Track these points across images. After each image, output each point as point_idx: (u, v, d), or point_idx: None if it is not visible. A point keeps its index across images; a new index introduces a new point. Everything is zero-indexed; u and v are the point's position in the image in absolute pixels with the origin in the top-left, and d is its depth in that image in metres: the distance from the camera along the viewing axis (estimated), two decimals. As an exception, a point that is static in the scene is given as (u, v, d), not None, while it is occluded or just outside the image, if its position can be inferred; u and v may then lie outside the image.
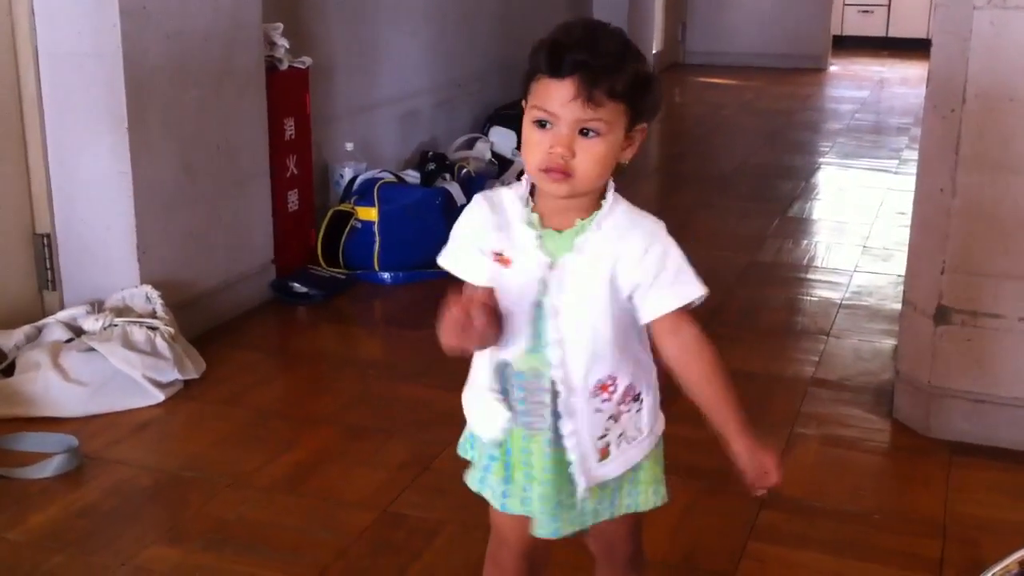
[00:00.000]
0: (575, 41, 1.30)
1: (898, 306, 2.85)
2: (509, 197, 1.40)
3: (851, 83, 8.27)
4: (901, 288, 2.81)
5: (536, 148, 1.32)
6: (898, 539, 2.18)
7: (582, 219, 1.36)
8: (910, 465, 2.51)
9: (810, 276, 3.83)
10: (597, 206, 1.37)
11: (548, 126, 1.31)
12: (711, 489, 2.34)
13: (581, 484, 1.41)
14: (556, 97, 1.29)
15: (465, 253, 1.42)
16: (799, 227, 4.49)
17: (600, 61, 1.28)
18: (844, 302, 3.52)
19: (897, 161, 5.61)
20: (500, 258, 1.37)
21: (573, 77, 1.28)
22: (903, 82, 8.16)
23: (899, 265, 3.28)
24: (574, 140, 1.30)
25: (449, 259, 1.43)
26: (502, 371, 1.41)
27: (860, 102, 7.47)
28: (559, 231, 1.37)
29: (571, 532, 1.46)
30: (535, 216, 1.37)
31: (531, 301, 1.36)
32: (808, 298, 3.62)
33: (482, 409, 1.45)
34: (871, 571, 2.06)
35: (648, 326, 1.39)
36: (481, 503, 1.53)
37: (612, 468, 1.44)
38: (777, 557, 2.10)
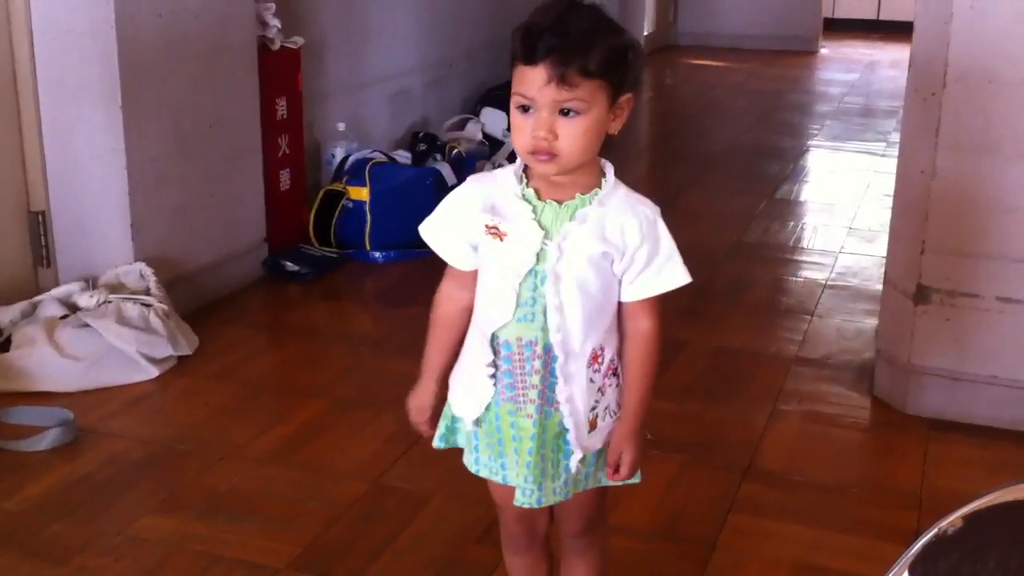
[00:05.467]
0: (545, 26, 1.35)
1: (881, 286, 2.90)
2: (503, 175, 1.47)
3: (841, 65, 8.30)
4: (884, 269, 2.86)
5: (521, 132, 1.39)
6: (875, 511, 2.23)
7: (582, 194, 1.43)
8: (889, 440, 2.57)
9: (796, 257, 3.88)
10: (597, 183, 1.44)
11: (530, 111, 1.37)
12: (694, 462, 2.40)
13: (577, 454, 1.47)
14: (532, 83, 1.35)
15: (446, 231, 1.49)
16: (787, 208, 4.54)
17: (570, 43, 1.34)
18: (829, 282, 3.57)
19: (884, 144, 5.66)
20: (495, 231, 1.43)
21: (545, 62, 1.34)
22: (893, 65, 8.18)
23: (884, 247, 3.32)
24: (555, 122, 1.36)
25: (430, 231, 1.51)
26: (492, 344, 1.46)
27: (850, 85, 7.50)
28: (560, 202, 1.43)
29: (553, 502, 1.51)
30: (531, 191, 1.44)
31: (523, 272, 1.42)
32: (794, 278, 3.68)
33: (468, 386, 1.50)
34: (848, 542, 2.12)
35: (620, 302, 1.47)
36: (468, 474, 1.57)
37: (598, 440, 1.49)
38: (757, 528, 2.16)
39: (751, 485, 2.31)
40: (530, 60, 1.35)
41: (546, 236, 1.41)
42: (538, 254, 1.41)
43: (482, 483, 1.59)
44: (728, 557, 2.06)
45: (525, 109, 1.37)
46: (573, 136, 1.36)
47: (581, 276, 1.41)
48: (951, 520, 0.79)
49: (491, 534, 2.06)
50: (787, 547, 2.10)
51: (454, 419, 1.54)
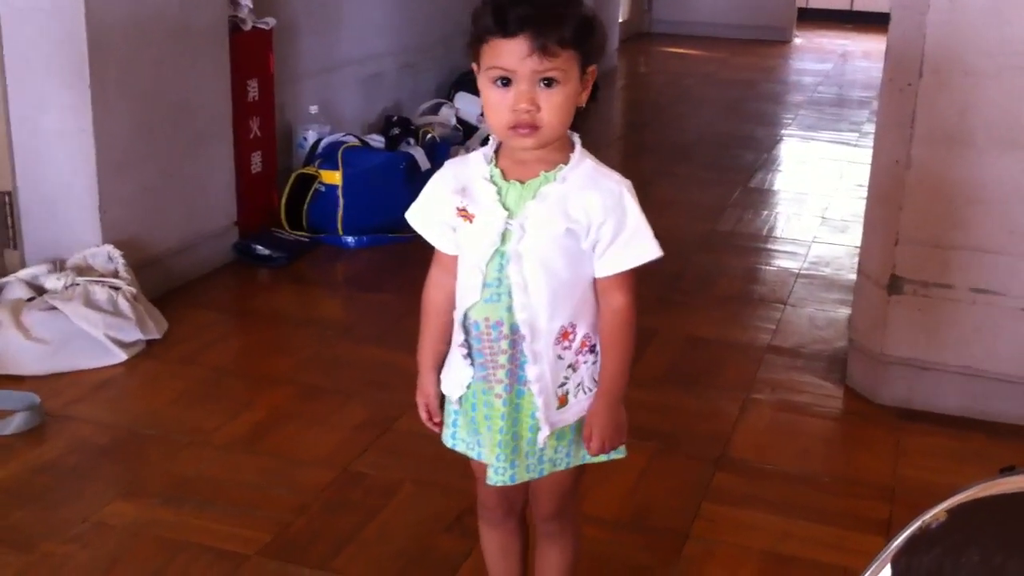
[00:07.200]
0: None
1: (854, 276, 2.90)
2: (476, 158, 1.47)
3: (815, 56, 8.31)
4: (857, 259, 2.86)
5: (500, 107, 1.37)
6: (846, 501, 2.23)
7: (546, 171, 1.42)
8: (860, 430, 2.57)
9: (769, 246, 3.88)
10: (564, 159, 1.42)
11: (508, 84, 1.36)
12: (666, 451, 2.39)
13: (545, 430, 1.46)
14: (511, 54, 1.34)
15: (428, 215, 1.50)
16: (760, 198, 4.53)
17: (545, 12, 1.33)
18: (802, 272, 3.57)
19: (858, 134, 5.67)
20: (464, 214, 1.44)
21: (524, 33, 1.33)
22: (866, 55, 8.21)
23: (856, 236, 3.33)
24: (536, 93, 1.35)
25: (414, 216, 1.51)
26: (463, 324, 1.46)
27: (823, 75, 7.52)
28: (522, 182, 1.42)
29: (527, 479, 1.50)
30: (497, 172, 1.43)
31: (489, 252, 1.42)
32: (766, 267, 3.67)
33: (451, 366, 1.51)
34: (819, 531, 2.12)
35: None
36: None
37: (570, 415, 1.48)
38: (729, 517, 2.16)
39: (723, 474, 2.31)
40: (507, 32, 1.33)
41: (510, 216, 1.41)
42: (503, 235, 1.41)
43: (451, 471, 1.58)
44: (699, 546, 2.05)
45: (506, 83, 1.36)
46: (555, 106, 1.36)
47: (544, 255, 1.41)
48: (935, 513, 0.78)
49: (461, 523, 2.05)
50: (758, 536, 2.09)
51: (447, 400, 1.54)
